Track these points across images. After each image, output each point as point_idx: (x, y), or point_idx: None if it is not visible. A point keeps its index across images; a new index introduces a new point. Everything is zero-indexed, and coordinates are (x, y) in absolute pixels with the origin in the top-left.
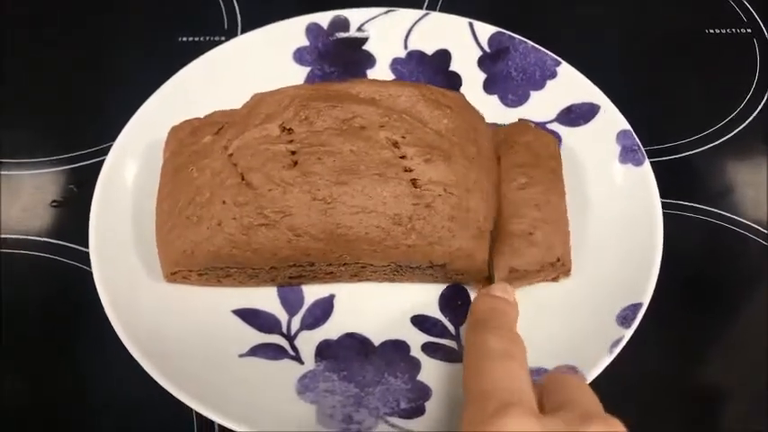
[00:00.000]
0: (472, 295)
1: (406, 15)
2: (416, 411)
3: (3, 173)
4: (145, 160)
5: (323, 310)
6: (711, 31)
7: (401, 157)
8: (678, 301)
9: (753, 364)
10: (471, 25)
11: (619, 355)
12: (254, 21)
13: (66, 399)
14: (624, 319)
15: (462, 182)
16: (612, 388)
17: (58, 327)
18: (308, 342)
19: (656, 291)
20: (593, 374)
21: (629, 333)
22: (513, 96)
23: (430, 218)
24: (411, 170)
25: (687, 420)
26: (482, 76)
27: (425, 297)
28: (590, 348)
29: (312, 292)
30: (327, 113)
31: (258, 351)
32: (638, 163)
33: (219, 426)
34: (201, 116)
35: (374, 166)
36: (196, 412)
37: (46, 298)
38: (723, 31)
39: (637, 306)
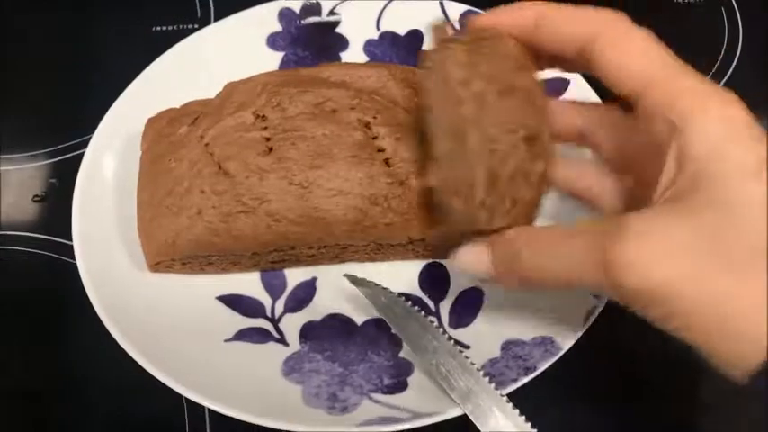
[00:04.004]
0: (450, 272)
1: None
2: (399, 386)
3: None
4: (124, 152)
5: (306, 292)
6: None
7: (373, 138)
8: None
9: None
10: (442, 4)
11: (594, 325)
12: (227, 7)
13: (55, 390)
14: None
15: None
16: (589, 357)
17: (46, 320)
18: (292, 324)
19: None
20: (568, 344)
21: (602, 303)
22: None
23: (405, 195)
24: (383, 150)
25: (664, 388)
26: None
27: (405, 275)
28: (566, 320)
29: (295, 276)
30: (299, 99)
31: (243, 335)
32: None
33: (209, 410)
34: (178, 106)
35: (347, 149)
36: (186, 398)
37: (32, 292)
38: (692, 0)
39: None
